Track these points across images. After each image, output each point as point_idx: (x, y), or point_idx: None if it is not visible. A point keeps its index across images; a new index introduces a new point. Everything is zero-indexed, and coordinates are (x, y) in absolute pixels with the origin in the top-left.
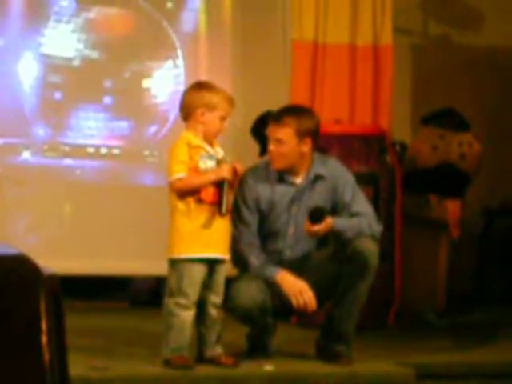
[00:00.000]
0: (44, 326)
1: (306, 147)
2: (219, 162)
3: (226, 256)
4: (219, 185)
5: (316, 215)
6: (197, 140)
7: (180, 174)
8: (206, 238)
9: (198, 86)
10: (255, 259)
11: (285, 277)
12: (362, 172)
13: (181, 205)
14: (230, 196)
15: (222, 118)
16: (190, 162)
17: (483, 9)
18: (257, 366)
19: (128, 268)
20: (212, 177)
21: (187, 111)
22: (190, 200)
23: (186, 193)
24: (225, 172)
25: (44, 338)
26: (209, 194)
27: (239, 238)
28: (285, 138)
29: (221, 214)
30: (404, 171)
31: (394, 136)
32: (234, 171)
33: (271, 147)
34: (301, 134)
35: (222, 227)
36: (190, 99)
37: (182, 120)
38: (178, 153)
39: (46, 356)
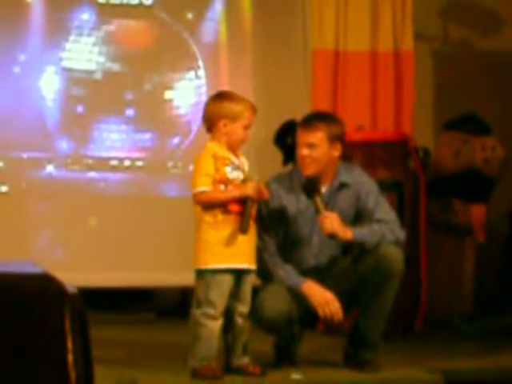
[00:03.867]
0: (70, 344)
1: (337, 152)
2: (245, 180)
3: (253, 266)
4: (243, 201)
5: (309, 188)
6: (222, 151)
7: (203, 187)
8: (233, 249)
9: (219, 97)
10: (280, 269)
11: (311, 287)
12: (385, 179)
13: (207, 216)
14: (252, 214)
15: (246, 127)
16: (217, 173)
17: (503, 13)
18: (284, 374)
19: (153, 279)
20: (236, 193)
21: (210, 123)
22: (217, 211)
23: (211, 205)
24: (249, 190)
25: (70, 357)
26: (235, 204)
27: (264, 249)
28: (317, 142)
29: (242, 231)
30: (428, 177)
31: (416, 142)
32: (259, 191)
33: (303, 152)
34: (332, 139)
35: (248, 237)
36: (211, 111)
37: (205, 131)
38: (202, 165)
39: (73, 374)
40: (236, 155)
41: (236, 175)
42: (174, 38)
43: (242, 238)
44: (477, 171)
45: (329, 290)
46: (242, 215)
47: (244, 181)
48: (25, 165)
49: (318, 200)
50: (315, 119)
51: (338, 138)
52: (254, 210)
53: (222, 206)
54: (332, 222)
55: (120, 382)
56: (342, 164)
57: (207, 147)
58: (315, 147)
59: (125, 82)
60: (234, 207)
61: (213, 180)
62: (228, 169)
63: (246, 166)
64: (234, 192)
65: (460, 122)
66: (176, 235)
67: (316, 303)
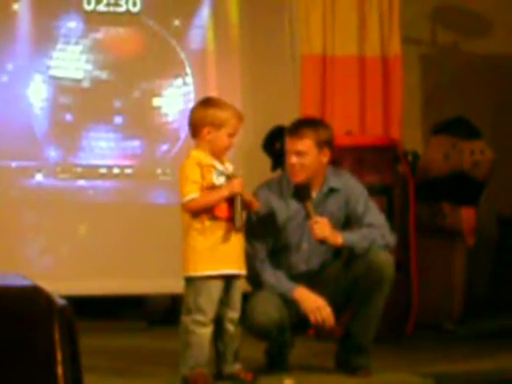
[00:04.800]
0: (59, 356)
1: (325, 158)
2: (230, 177)
3: (242, 271)
4: (231, 200)
5: (301, 193)
6: (206, 158)
7: (193, 194)
8: (222, 254)
9: (204, 104)
10: (271, 276)
11: (302, 293)
12: (374, 183)
13: (196, 223)
14: (243, 210)
15: (230, 135)
16: (203, 181)
17: (491, 16)
18: (276, 380)
19: (143, 287)
20: (225, 193)
21: (194, 129)
22: (205, 218)
23: (201, 211)
24: (236, 187)
25: (59, 369)
26: (223, 210)
27: (254, 255)
28: (306, 150)
29: (235, 228)
30: (417, 181)
31: (405, 146)
32: (249, 202)
33: (292, 160)
34: (320, 145)
35: (237, 242)
36: (196, 117)
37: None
38: (188, 173)
39: None
40: (221, 161)
41: (222, 181)
42: (162, 45)
43: (230, 244)
44: (466, 175)
45: (320, 295)
46: (233, 213)
47: (229, 178)
48: (13, 173)
49: (309, 205)
50: (303, 126)
51: (326, 144)
52: (244, 210)
53: (209, 212)
54: (322, 227)
55: None
56: (330, 169)
57: (191, 155)
58: (304, 155)
59: (113, 90)
60: (222, 213)
61: (200, 187)
62: (214, 175)
63: (231, 170)
64: (223, 192)
65: (449, 125)
66: (165, 242)
67: (308, 309)
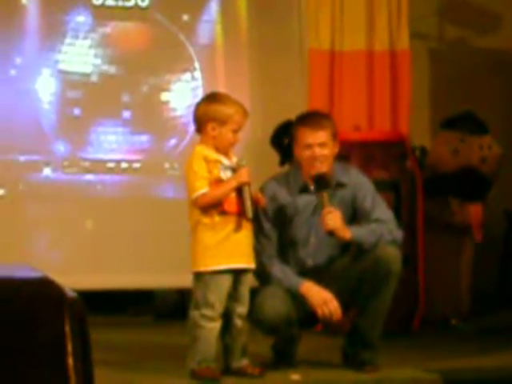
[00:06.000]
0: (69, 347)
1: (337, 150)
2: (236, 169)
3: (252, 265)
4: (240, 194)
5: (321, 182)
6: (212, 154)
7: (203, 189)
8: (231, 249)
9: (210, 99)
10: (278, 271)
11: (309, 287)
12: (382, 178)
13: (205, 219)
14: (252, 200)
15: (235, 131)
16: (210, 176)
17: (499, 11)
18: (283, 375)
19: (151, 282)
20: (233, 184)
21: (199, 125)
22: (214, 213)
23: (210, 206)
24: (243, 176)
25: (70, 360)
26: (232, 204)
27: (261, 250)
28: (326, 141)
29: (248, 218)
30: (425, 176)
31: (413, 141)
32: (256, 199)
33: (316, 152)
34: (334, 136)
35: (246, 236)
36: (200, 113)
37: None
38: (196, 168)
39: (73, 377)
40: (227, 156)
41: (229, 175)
42: (170, 39)
43: (239, 238)
44: (474, 170)
45: (327, 289)
46: (243, 204)
47: (236, 170)
48: (22, 168)
49: (325, 195)
50: (319, 118)
51: (336, 136)
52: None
53: (219, 207)
54: (335, 217)
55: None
56: (338, 164)
57: (196, 151)
58: (325, 145)
59: (121, 85)
60: (231, 207)
61: (208, 182)
62: (220, 170)
63: (236, 161)
64: (231, 183)
65: (457, 120)
66: (174, 237)
67: (315, 303)
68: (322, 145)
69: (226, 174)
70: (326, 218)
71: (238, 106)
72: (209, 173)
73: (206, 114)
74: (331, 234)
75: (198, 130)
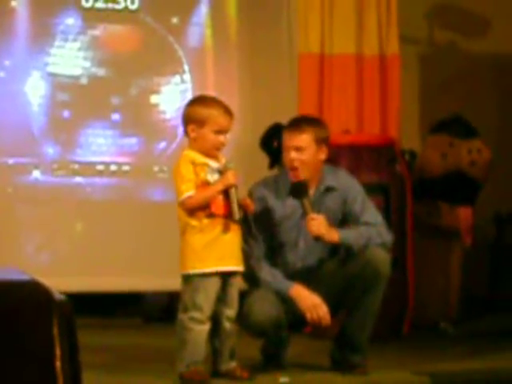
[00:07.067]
0: (58, 351)
1: (323, 155)
2: (223, 171)
3: (240, 267)
4: (227, 196)
5: (298, 190)
6: (200, 157)
7: (189, 192)
8: (220, 251)
9: (190, 101)
10: (267, 274)
11: (299, 291)
12: (372, 182)
13: (193, 221)
14: (239, 202)
15: (217, 132)
16: (197, 179)
17: (488, 15)
18: (272, 378)
19: (140, 284)
20: (219, 186)
21: (183, 128)
22: (201, 215)
23: (197, 209)
24: (230, 179)
25: (58, 363)
26: (219, 206)
27: (250, 254)
28: (305, 145)
29: (235, 220)
30: (414, 180)
31: (402, 145)
32: (244, 203)
33: (292, 155)
34: (318, 142)
35: (234, 239)
36: (182, 116)
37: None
38: (183, 172)
39: (60, 380)
40: (217, 159)
41: (216, 177)
42: (160, 42)
43: (227, 241)
44: (463, 174)
45: (316, 292)
46: (230, 207)
47: (222, 172)
48: (11, 170)
49: (306, 202)
50: (302, 122)
51: (323, 141)
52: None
53: (206, 209)
54: (318, 224)
55: None
56: (327, 167)
57: (184, 154)
58: (303, 150)
59: (110, 87)
60: (218, 210)
61: (194, 185)
62: (207, 173)
63: (223, 163)
64: (217, 186)
65: (446, 124)
66: (163, 240)
67: (304, 307)
68: (298, 149)
69: (213, 177)
70: (310, 225)
71: (218, 107)
72: (196, 176)
73: (186, 117)
74: (318, 239)
75: (185, 133)
